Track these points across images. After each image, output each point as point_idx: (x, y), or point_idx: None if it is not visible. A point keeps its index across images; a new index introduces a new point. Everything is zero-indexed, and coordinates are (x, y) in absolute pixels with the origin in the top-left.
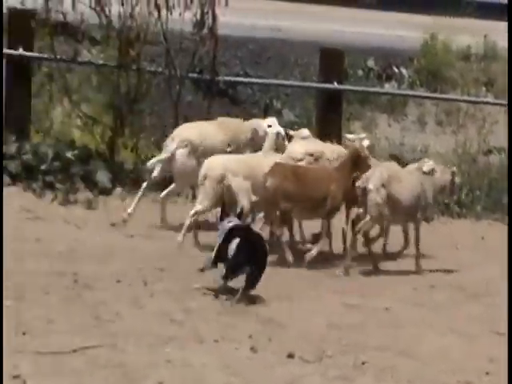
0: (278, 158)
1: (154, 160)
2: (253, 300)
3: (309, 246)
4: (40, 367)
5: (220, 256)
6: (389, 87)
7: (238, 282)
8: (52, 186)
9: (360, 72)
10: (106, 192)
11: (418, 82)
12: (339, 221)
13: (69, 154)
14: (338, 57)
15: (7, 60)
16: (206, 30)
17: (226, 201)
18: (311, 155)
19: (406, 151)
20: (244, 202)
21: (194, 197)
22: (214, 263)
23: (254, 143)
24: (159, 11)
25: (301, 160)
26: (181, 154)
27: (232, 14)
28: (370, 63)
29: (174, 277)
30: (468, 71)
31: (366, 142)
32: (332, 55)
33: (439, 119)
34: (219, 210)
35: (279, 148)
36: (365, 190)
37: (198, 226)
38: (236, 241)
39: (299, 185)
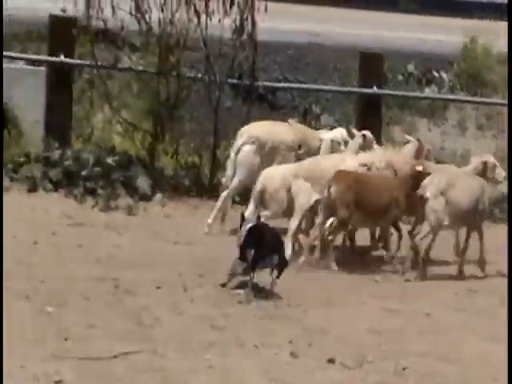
0: (337, 158)
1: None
2: (293, 305)
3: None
4: (81, 373)
5: (242, 257)
6: (429, 91)
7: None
8: (93, 192)
9: (400, 76)
10: (147, 198)
11: (458, 86)
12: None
13: (109, 160)
14: (378, 61)
15: (49, 67)
16: (245, 36)
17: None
18: (364, 165)
19: (447, 156)
20: (303, 202)
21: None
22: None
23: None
24: (199, 17)
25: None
26: (247, 150)
27: (271, 20)
28: (410, 67)
29: (214, 282)
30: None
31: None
32: (371, 60)
33: (480, 123)
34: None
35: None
36: (422, 198)
37: None
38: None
39: (362, 193)
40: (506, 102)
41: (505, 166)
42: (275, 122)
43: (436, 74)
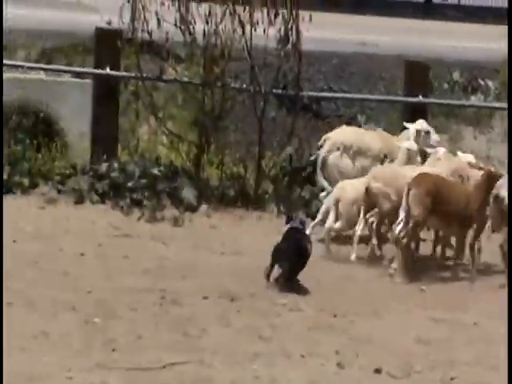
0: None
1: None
2: (339, 315)
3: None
4: (128, 383)
5: (276, 255)
6: (474, 100)
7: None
8: (139, 203)
9: (445, 85)
10: (192, 209)
11: (504, 94)
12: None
13: (155, 172)
14: (423, 70)
15: (95, 79)
16: (289, 46)
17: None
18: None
19: (493, 164)
20: (384, 206)
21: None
22: (272, 264)
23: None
24: (243, 28)
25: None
26: (333, 157)
27: (315, 29)
28: (456, 76)
29: (261, 293)
30: None
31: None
32: (417, 68)
33: None
34: None
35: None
36: (497, 198)
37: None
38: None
39: (442, 197)
40: None
41: None
42: (358, 128)
43: (482, 82)
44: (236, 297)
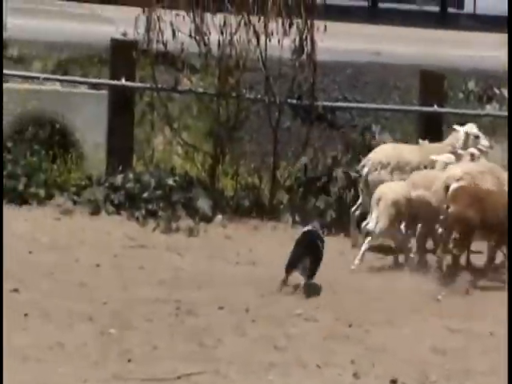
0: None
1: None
2: (354, 324)
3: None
4: None
5: (294, 258)
6: (490, 109)
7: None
8: (154, 214)
9: (460, 94)
10: (207, 219)
11: None
12: None
13: (170, 182)
14: (438, 79)
15: (110, 90)
16: (304, 56)
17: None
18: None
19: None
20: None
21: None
22: (289, 266)
23: None
24: (258, 38)
25: (460, 179)
26: (372, 177)
27: (330, 39)
28: (471, 85)
29: (276, 302)
30: None
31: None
32: (432, 78)
33: None
34: None
35: None
36: None
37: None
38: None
39: (481, 210)
40: None
41: None
42: (398, 144)
43: (497, 91)
44: (251, 307)
